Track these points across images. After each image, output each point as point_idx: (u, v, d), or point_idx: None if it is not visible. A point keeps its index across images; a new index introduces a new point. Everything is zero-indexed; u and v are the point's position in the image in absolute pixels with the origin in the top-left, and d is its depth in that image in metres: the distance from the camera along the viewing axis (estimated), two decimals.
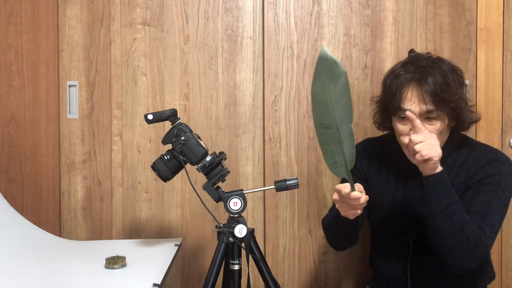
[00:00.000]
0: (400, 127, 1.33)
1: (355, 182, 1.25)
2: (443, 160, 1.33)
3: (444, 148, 1.33)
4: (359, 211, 1.25)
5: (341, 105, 1.04)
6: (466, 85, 1.34)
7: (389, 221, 1.44)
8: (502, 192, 1.31)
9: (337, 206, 1.27)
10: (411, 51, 1.43)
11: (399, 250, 1.41)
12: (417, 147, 1.20)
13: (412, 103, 1.28)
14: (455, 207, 1.23)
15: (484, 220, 1.27)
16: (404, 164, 1.39)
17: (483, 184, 1.32)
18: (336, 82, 1.00)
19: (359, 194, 1.19)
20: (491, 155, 1.36)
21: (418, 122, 1.24)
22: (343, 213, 1.27)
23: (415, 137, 1.22)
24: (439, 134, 1.30)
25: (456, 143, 1.39)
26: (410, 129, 1.29)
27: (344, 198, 1.22)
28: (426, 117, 1.28)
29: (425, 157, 1.20)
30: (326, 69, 0.99)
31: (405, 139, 1.28)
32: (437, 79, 1.27)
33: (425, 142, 1.20)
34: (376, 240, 1.51)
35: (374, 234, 1.52)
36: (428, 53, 1.40)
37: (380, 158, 1.48)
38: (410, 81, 1.29)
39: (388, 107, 1.34)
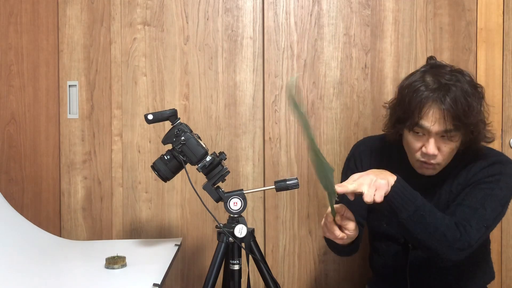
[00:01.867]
0: (414, 142, 1.30)
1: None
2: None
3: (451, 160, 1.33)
4: (346, 237, 1.21)
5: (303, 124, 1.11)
6: (484, 102, 1.31)
7: (388, 223, 1.43)
8: (499, 191, 1.29)
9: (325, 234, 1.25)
10: (430, 58, 1.37)
11: (398, 252, 1.41)
12: (367, 198, 1.16)
13: (432, 123, 1.24)
14: (423, 210, 1.20)
15: (474, 214, 1.24)
16: (404, 166, 1.39)
17: (481, 182, 1.30)
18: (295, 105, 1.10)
19: (337, 232, 1.19)
20: (494, 157, 1.35)
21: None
22: (331, 238, 1.24)
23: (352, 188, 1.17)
24: (452, 152, 1.29)
25: (462, 153, 1.36)
26: (422, 146, 1.28)
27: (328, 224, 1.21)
28: (442, 135, 1.26)
29: (381, 198, 1.17)
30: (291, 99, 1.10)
31: (417, 154, 1.29)
32: (460, 100, 1.22)
33: (366, 187, 1.16)
34: (375, 241, 1.51)
35: (373, 235, 1.51)
36: (450, 66, 1.32)
37: (381, 158, 1.47)
38: (431, 100, 1.24)
39: (403, 120, 1.30)
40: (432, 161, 1.29)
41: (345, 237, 1.21)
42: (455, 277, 1.35)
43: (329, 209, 1.20)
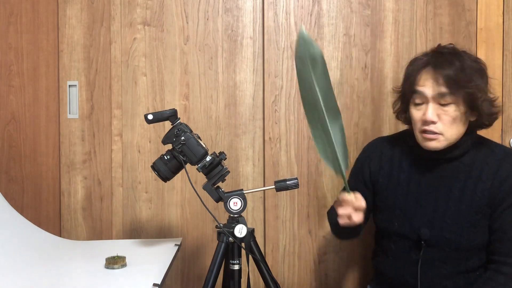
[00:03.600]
0: (416, 113, 1.33)
1: (358, 188, 1.32)
2: (457, 159, 1.33)
3: (458, 144, 1.33)
4: (357, 220, 1.27)
5: (323, 86, 1.18)
6: (487, 77, 1.32)
7: (401, 222, 1.40)
8: None
9: (338, 213, 1.29)
10: (438, 46, 1.41)
11: (409, 251, 1.38)
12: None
13: (426, 86, 1.29)
14: None
15: None
16: (417, 163, 1.39)
17: None
18: (314, 61, 1.18)
19: (351, 197, 1.25)
20: None
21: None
22: (342, 222, 1.29)
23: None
24: (453, 122, 1.28)
25: (472, 141, 1.35)
26: (423, 115, 1.30)
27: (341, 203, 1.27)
28: (439, 102, 1.28)
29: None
30: (304, 47, 1.19)
31: (419, 124, 1.32)
32: (453, 63, 1.27)
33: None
34: (384, 241, 1.47)
35: (382, 234, 1.48)
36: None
37: (392, 158, 1.46)
38: (426, 64, 1.30)
39: (404, 91, 1.36)
40: (433, 129, 1.29)
41: (355, 221, 1.27)
42: (465, 276, 1.34)
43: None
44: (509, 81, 1.80)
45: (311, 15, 1.80)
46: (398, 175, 1.43)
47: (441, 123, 1.29)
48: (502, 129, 1.80)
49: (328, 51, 1.80)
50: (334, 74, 1.80)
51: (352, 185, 1.43)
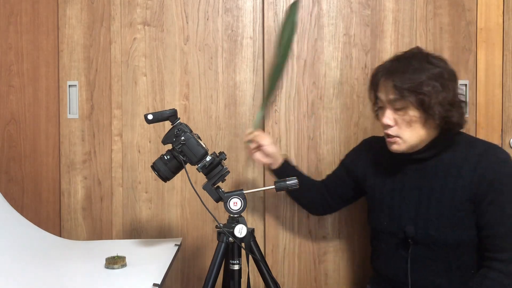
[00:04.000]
0: (380, 118, 1.39)
1: (339, 173, 1.60)
2: (436, 157, 1.36)
3: (431, 145, 1.35)
4: (264, 160, 1.57)
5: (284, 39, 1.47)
6: (449, 80, 1.32)
7: (389, 220, 1.44)
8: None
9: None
10: (417, 47, 1.42)
11: (398, 250, 1.41)
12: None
13: (381, 92, 1.35)
14: None
15: (506, 239, 1.29)
16: (400, 163, 1.42)
17: (495, 195, 1.30)
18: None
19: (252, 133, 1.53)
20: (498, 154, 1.34)
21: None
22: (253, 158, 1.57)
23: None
24: (409, 125, 1.32)
25: (448, 141, 1.37)
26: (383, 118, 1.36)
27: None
28: (395, 107, 1.33)
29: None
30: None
31: (382, 128, 1.38)
32: (406, 70, 1.30)
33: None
34: (375, 240, 1.52)
35: (374, 234, 1.53)
36: (427, 53, 1.38)
37: (378, 157, 1.51)
38: (383, 71, 1.36)
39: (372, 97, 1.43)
40: (391, 132, 1.35)
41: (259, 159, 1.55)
42: (458, 274, 1.35)
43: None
44: (509, 81, 1.80)
45: (311, 15, 1.80)
46: (383, 174, 1.48)
47: (397, 127, 1.34)
48: (502, 129, 1.80)
49: (328, 51, 1.80)
50: (334, 74, 1.80)
51: (339, 168, 1.63)
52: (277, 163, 1.60)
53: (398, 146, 1.36)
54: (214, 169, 1.37)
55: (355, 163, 1.57)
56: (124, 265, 1.33)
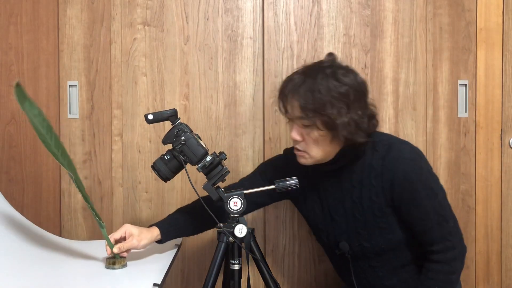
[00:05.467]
0: (290, 129, 1.36)
1: (259, 180, 1.50)
2: (345, 170, 1.35)
3: (335, 159, 1.34)
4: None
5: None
6: (356, 96, 1.28)
7: (326, 237, 1.46)
8: (430, 192, 1.32)
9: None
10: (329, 54, 1.39)
11: (343, 262, 1.44)
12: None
13: (288, 107, 1.32)
14: None
15: (441, 229, 1.31)
16: (320, 178, 1.41)
17: (414, 193, 1.31)
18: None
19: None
20: (400, 153, 1.32)
21: None
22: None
23: None
24: (315, 142, 1.30)
25: (353, 152, 1.33)
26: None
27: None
28: (302, 123, 1.29)
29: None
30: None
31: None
32: (310, 88, 1.26)
33: None
34: (325, 254, 1.56)
35: (323, 248, 1.56)
36: (336, 65, 1.33)
37: (299, 173, 1.39)
38: (290, 87, 1.31)
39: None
40: (298, 147, 1.33)
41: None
42: (406, 271, 1.38)
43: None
44: (508, 81, 1.81)
45: (311, 15, 1.80)
46: (311, 192, 1.46)
47: (304, 143, 1.32)
48: (501, 129, 1.81)
49: (328, 51, 1.80)
50: None
51: (259, 172, 1.55)
52: (153, 236, 1.41)
53: (305, 160, 1.35)
54: (214, 169, 1.37)
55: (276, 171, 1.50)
56: (124, 265, 1.33)
